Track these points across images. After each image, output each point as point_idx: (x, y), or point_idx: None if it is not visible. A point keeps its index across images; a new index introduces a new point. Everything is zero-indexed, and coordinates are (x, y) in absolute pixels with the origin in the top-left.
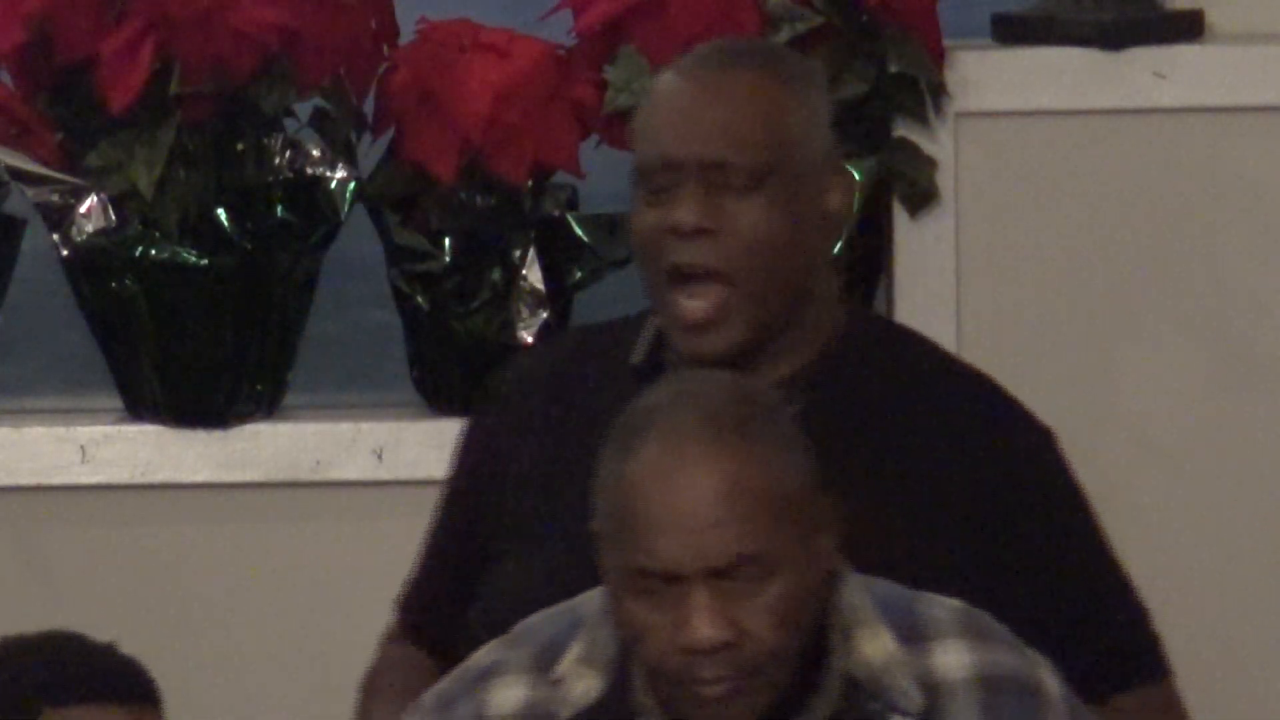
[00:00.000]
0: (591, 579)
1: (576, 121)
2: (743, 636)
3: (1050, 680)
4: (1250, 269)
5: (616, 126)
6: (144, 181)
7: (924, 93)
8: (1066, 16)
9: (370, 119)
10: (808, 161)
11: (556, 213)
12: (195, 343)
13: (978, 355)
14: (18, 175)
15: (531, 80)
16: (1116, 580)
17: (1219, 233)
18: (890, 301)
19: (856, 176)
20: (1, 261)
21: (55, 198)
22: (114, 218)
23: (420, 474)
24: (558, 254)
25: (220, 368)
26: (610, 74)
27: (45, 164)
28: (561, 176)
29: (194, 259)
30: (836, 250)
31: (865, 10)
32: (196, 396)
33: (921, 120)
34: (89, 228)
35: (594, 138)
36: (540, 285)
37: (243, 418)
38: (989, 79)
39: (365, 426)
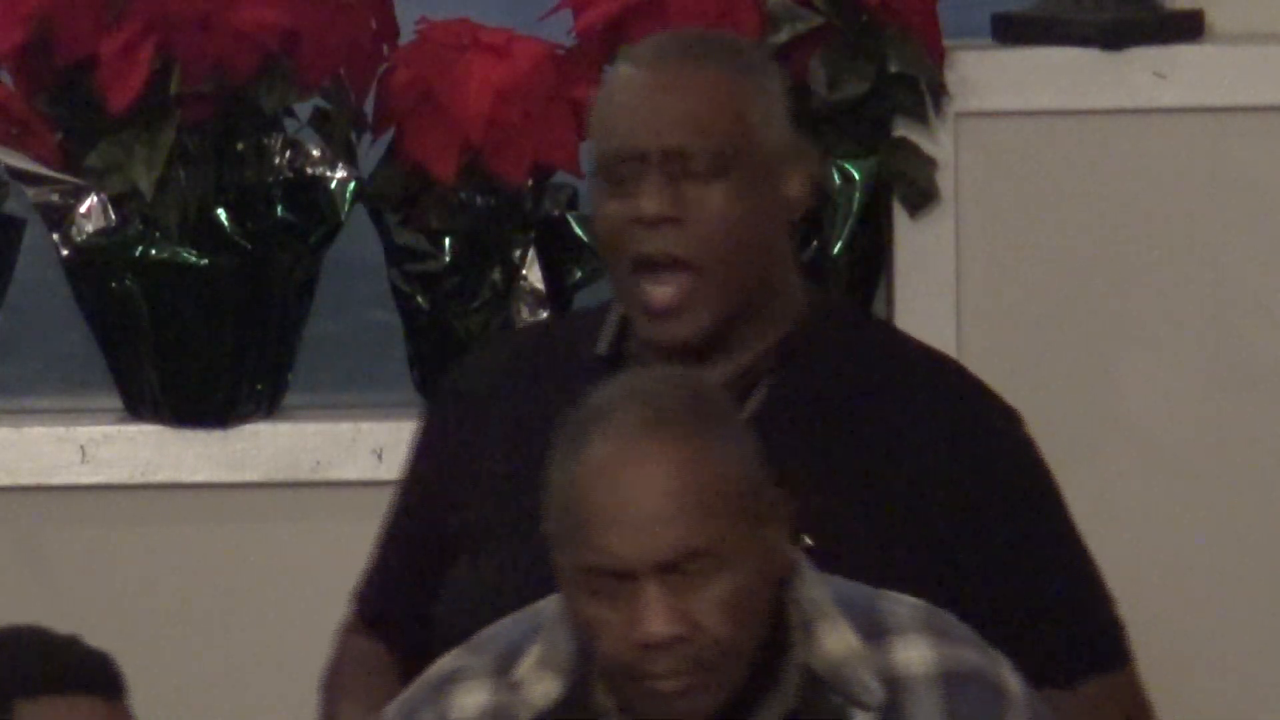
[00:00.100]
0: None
1: (576, 121)
2: (695, 630)
3: (1012, 679)
4: (1250, 269)
5: None
6: (144, 181)
7: (924, 93)
8: (1066, 16)
9: (370, 119)
10: (768, 148)
11: (556, 213)
12: (195, 343)
13: (977, 355)
14: (18, 175)
15: (531, 80)
16: (1084, 565)
17: (1219, 233)
18: (890, 301)
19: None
20: (1, 261)
21: (55, 198)
22: (114, 218)
23: None
24: (558, 254)
25: (220, 368)
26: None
27: (45, 164)
28: (561, 176)
29: (194, 259)
30: (836, 250)
31: (865, 10)
32: (196, 396)
33: (921, 120)
34: (89, 228)
35: None
36: (540, 285)
37: (243, 418)
38: (989, 79)
39: (365, 426)
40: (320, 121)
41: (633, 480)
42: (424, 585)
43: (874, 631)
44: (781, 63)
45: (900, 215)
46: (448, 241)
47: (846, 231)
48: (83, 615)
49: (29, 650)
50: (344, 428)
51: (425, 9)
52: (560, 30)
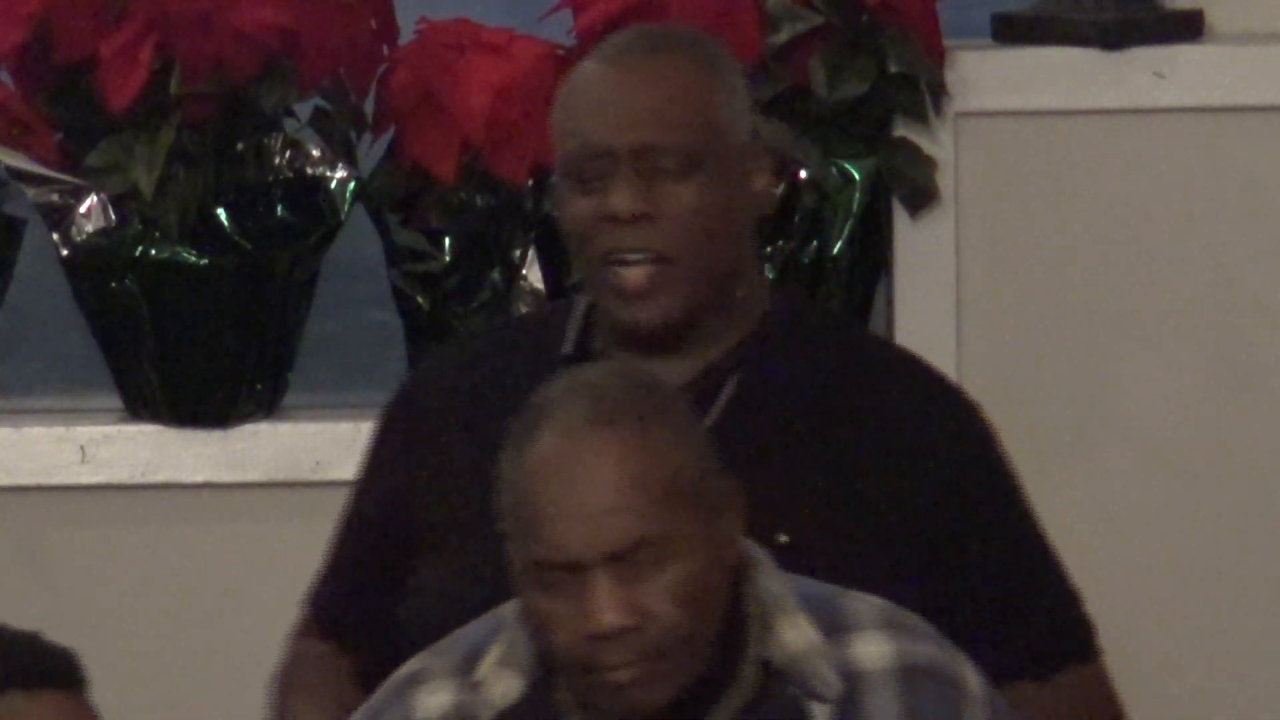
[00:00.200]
0: None
1: None
2: (646, 619)
3: (972, 675)
4: (1251, 269)
5: None
6: (144, 181)
7: (924, 93)
8: (1066, 16)
9: (370, 119)
10: (735, 143)
11: (556, 213)
12: (195, 343)
13: (978, 355)
14: (18, 175)
15: (531, 80)
16: (1050, 559)
17: (1219, 233)
18: (890, 301)
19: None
20: (1, 261)
21: (55, 198)
22: (114, 218)
23: None
24: (558, 254)
25: (220, 368)
26: None
27: (45, 164)
28: None
29: (194, 259)
30: (836, 250)
31: (865, 10)
32: (196, 396)
33: (921, 120)
34: (89, 228)
35: None
36: (540, 285)
37: (243, 418)
38: (989, 79)
39: (365, 426)
40: (320, 121)
41: (578, 472)
42: (382, 589)
43: (834, 627)
44: (781, 63)
45: (900, 215)
46: (448, 241)
47: (846, 231)
48: (83, 615)
49: None
50: (344, 428)
51: (425, 9)
52: (560, 30)
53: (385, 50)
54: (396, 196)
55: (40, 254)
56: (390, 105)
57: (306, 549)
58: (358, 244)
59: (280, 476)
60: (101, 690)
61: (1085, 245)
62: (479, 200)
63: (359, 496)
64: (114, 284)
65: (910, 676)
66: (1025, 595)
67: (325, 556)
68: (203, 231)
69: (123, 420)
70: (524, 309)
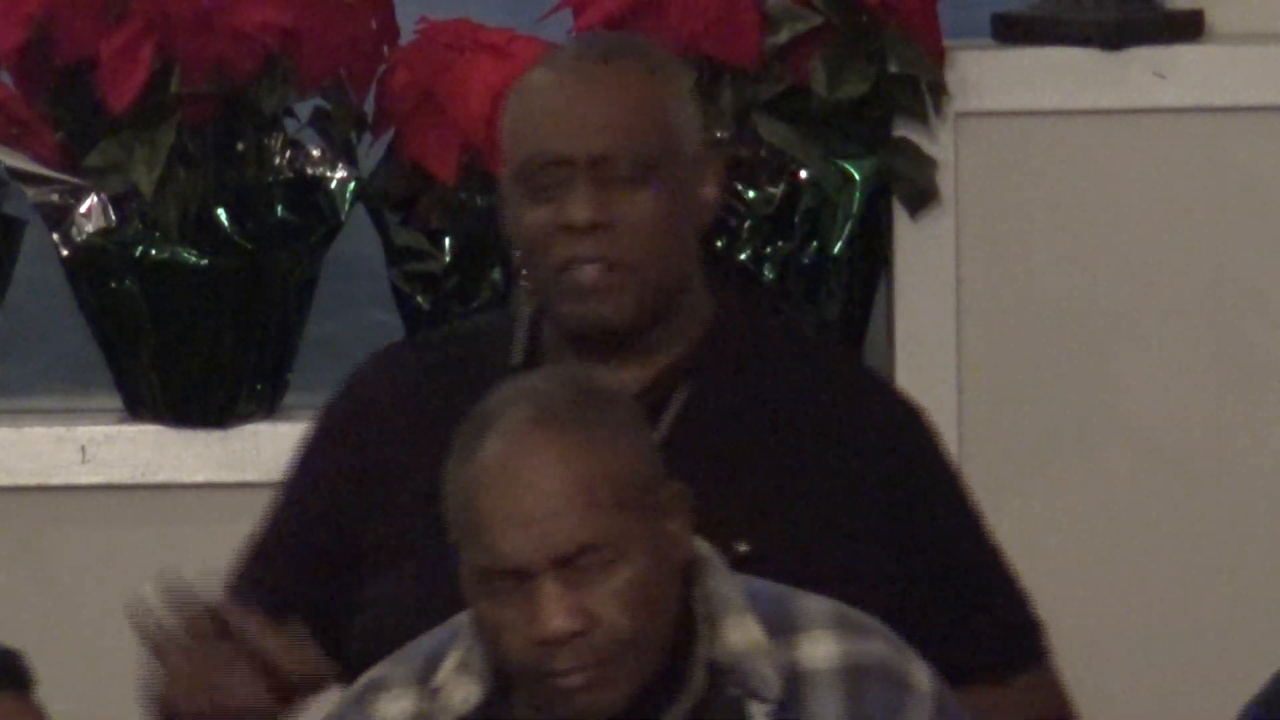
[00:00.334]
0: None
1: None
2: (594, 623)
3: (921, 674)
4: (1250, 269)
5: None
6: (144, 181)
7: (924, 93)
8: (1066, 16)
9: (370, 119)
10: (686, 151)
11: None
12: (195, 343)
13: (978, 355)
14: (18, 175)
15: None
16: (1000, 563)
17: (1219, 233)
18: (890, 301)
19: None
20: (1, 261)
21: (55, 198)
22: (114, 218)
23: None
24: None
25: (220, 368)
26: None
27: (45, 164)
28: None
29: (194, 259)
30: (836, 250)
31: (865, 10)
32: (196, 396)
33: (921, 120)
34: (89, 228)
35: None
36: None
37: (243, 418)
38: (989, 79)
39: None
40: (320, 121)
41: (521, 479)
42: (305, 593)
43: (783, 628)
44: (781, 63)
45: (900, 215)
46: (448, 241)
47: (846, 231)
48: (83, 615)
49: None
50: None
51: (425, 9)
52: (560, 30)
53: (385, 50)
54: (396, 196)
55: (40, 254)
56: (390, 105)
57: None
58: (358, 244)
59: (280, 476)
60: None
61: (1085, 245)
62: (479, 200)
63: (289, 495)
64: (114, 284)
65: (856, 676)
66: (979, 600)
67: (245, 551)
68: (203, 231)
69: (123, 420)
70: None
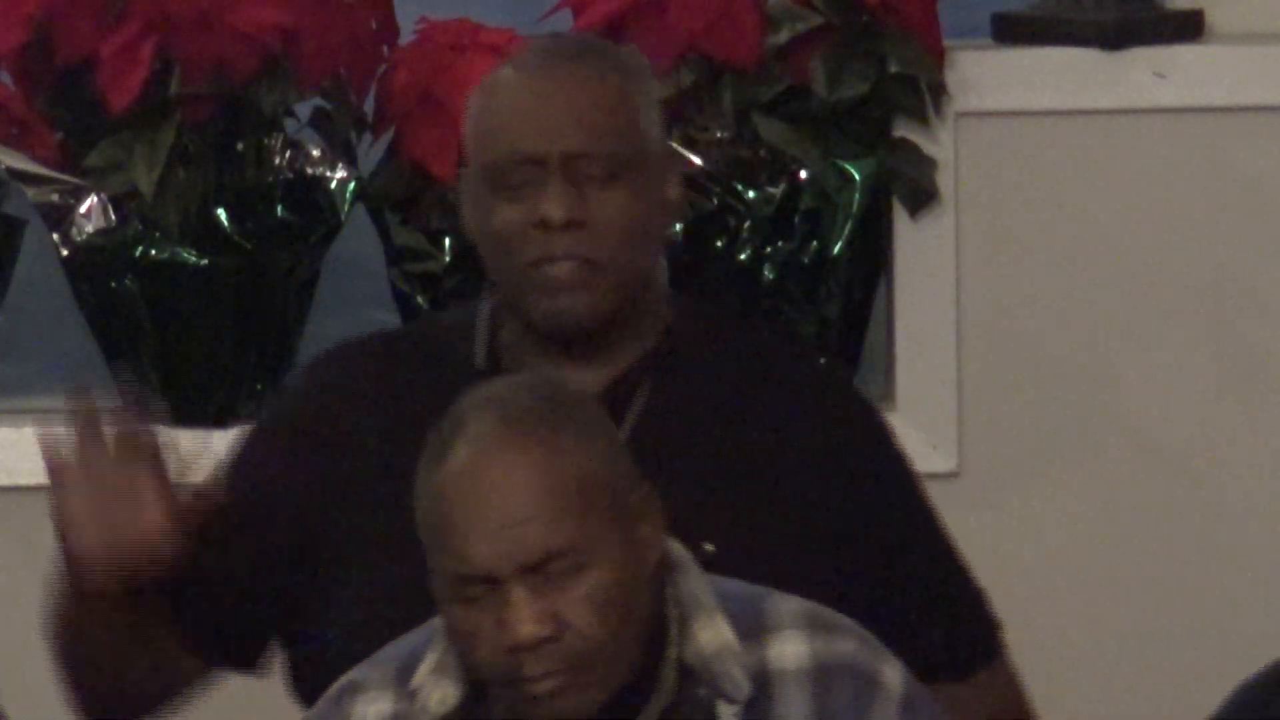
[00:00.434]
0: None
1: None
2: (563, 629)
3: (892, 673)
4: (1250, 269)
5: None
6: (144, 181)
7: (924, 93)
8: (1066, 16)
9: (370, 119)
10: (653, 150)
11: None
12: (195, 343)
13: (977, 355)
14: (18, 175)
15: None
16: (957, 562)
17: (1219, 233)
18: (890, 301)
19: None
20: (1, 261)
21: (55, 198)
22: (114, 218)
23: None
24: None
25: (220, 368)
26: None
27: (45, 164)
28: None
29: (194, 259)
30: (836, 250)
31: (865, 10)
32: (196, 396)
33: (921, 120)
34: (89, 228)
35: None
36: None
37: (243, 418)
38: (989, 79)
39: None
40: (320, 121)
41: (489, 485)
42: (249, 580)
43: (755, 629)
44: (781, 63)
45: (900, 215)
46: (448, 241)
47: (846, 231)
48: None
49: None
50: None
51: (425, 9)
52: (560, 30)
53: (385, 50)
54: (396, 196)
55: (40, 254)
56: (390, 105)
57: None
58: (358, 244)
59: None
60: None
61: (1085, 245)
62: None
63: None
64: (114, 284)
65: (825, 675)
66: (938, 598)
67: None
68: (203, 231)
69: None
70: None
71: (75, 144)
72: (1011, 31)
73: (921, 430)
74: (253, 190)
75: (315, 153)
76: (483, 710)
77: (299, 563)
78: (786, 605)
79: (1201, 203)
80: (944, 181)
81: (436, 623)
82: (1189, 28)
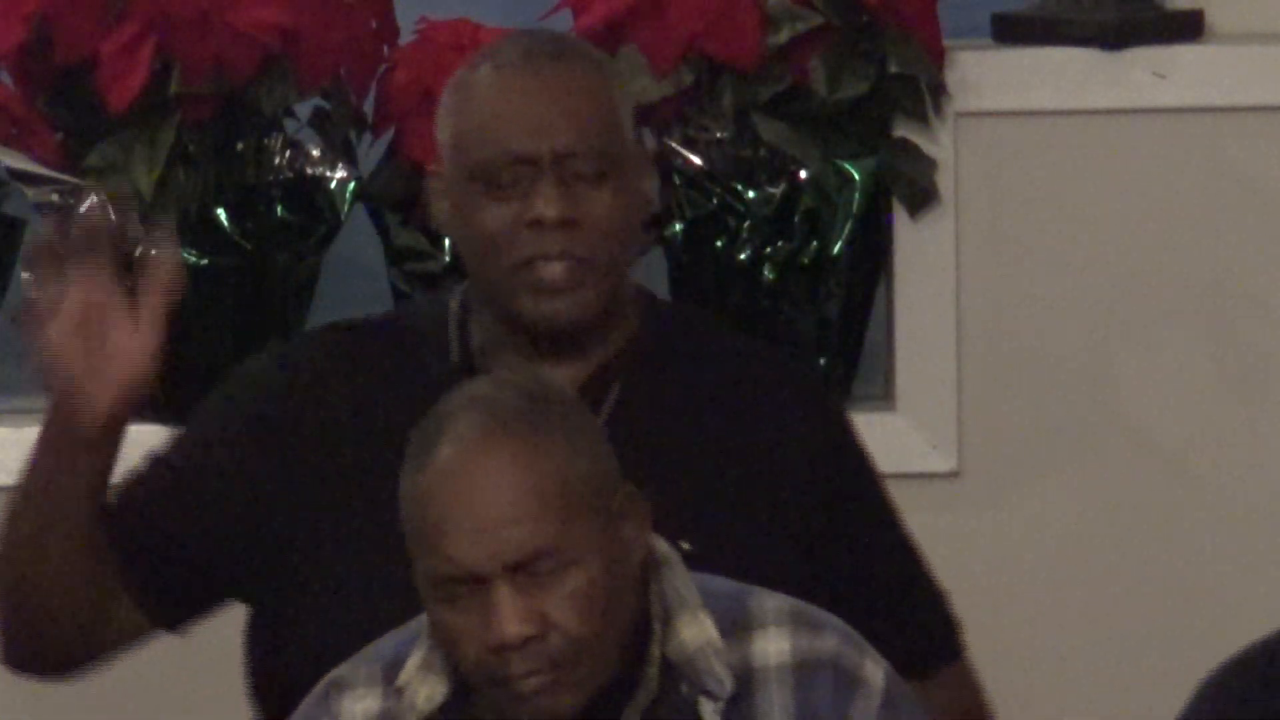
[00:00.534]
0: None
1: None
2: (549, 628)
3: (875, 670)
4: (1250, 269)
5: None
6: (144, 181)
7: (924, 93)
8: (1066, 16)
9: (370, 119)
10: (631, 147)
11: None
12: (195, 343)
13: (977, 355)
14: (18, 175)
15: None
16: (921, 563)
17: (1219, 233)
18: (890, 301)
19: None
20: (1, 261)
21: (55, 198)
22: (114, 218)
23: None
24: None
25: (220, 368)
26: None
27: (45, 164)
28: None
29: (194, 259)
30: (836, 250)
31: (865, 10)
32: (196, 396)
33: (921, 120)
34: None
35: None
36: None
37: None
38: (989, 79)
39: None
40: (320, 121)
41: (473, 485)
42: (171, 541)
43: (739, 626)
44: (781, 63)
45: (900, 215)
46: (448, 241)
47: (846, 231)
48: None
49: None
50: None
51: (425, 9)
52: (560, 30)
53: (385, 50)
54: (396, 196)
55: None
56: (390, 105)
57: None
58: (358, 244)
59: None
60: (100, 688)
61: (1085, 245)
62: None
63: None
64: None
65: (807, 671)
66: (903, 596)
67: (136, 471)
68: (203, 231)
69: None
70: None
71: (75, 144)
72: (1011, 31)
73: (921, 430)
74: (253, 190)
75: (315, 153)
76: (469, 707)
77: (250, 549)
78: (771, 602)
79: (1201, 203)
80: (944, 181)
81: (422, 620)
82: (1189, 28)
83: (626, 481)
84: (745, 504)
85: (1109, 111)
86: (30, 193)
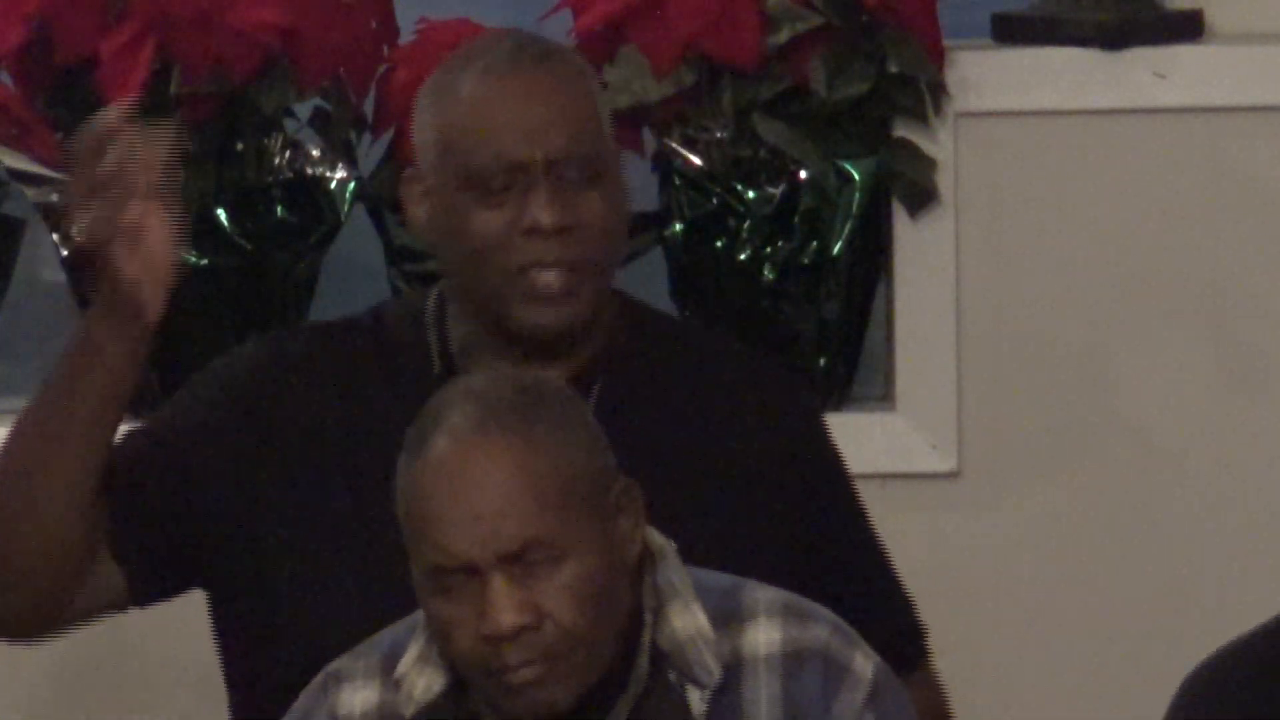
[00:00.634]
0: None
1: None
2: (543, 619)
3: (864, 662)
4: (1250, 269)
5: (616, 126)
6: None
7: (924, 93)
8: (1066, 16)
9: (370, 119)
10: (613, 149)
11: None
12: (195, 343)
13: (977, 355)
14: (18, 175)
15: None
16: (891, 569)
17: (1219, 233)
18: (890, 301)
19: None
20: (1, 261)
21: (55, 198)
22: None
23: None
24: None
25: None
26: (610, 74)
27: (45, 164)
28: None
29: (194, 259)
30: (836, 250)
31: (865, 10)
32: None
33: (921, 120)
34: None
35: None
36: None
37: None
38: (989, 79)
39: None
40: (320, 121)
41: (467, 476)
42: (147, 513)
43: (731, 617)
44: (781, 63)
45: (900, 215)
46: None
47: (846, 231)
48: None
49: None
50: None
51: (425, 9)
52: (560, 30)
53: (385, 50)
54: (396, 197)
55: (40, 254)
56: (390, 105)
57: None
58: (358, 244)
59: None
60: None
61: (1085, 245)
62: None
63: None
64: None
65: (795, 661)
66: (872, 600)
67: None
68: (203, 231)
69: (123, 420)
70: None
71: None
72: (1011, 31)
73: (921, 430)
74: (253, 190)
75: (315, 153)
76: (467, 698)
77: (232, 538)
78: (763, 594)
79: (1201, 203)
80: (944, 181)
81: (420, 614)
82: (1189, 28)
83: (623, 476)
84: (722, 503)
85: (1109, 111)
86: (30, 193)
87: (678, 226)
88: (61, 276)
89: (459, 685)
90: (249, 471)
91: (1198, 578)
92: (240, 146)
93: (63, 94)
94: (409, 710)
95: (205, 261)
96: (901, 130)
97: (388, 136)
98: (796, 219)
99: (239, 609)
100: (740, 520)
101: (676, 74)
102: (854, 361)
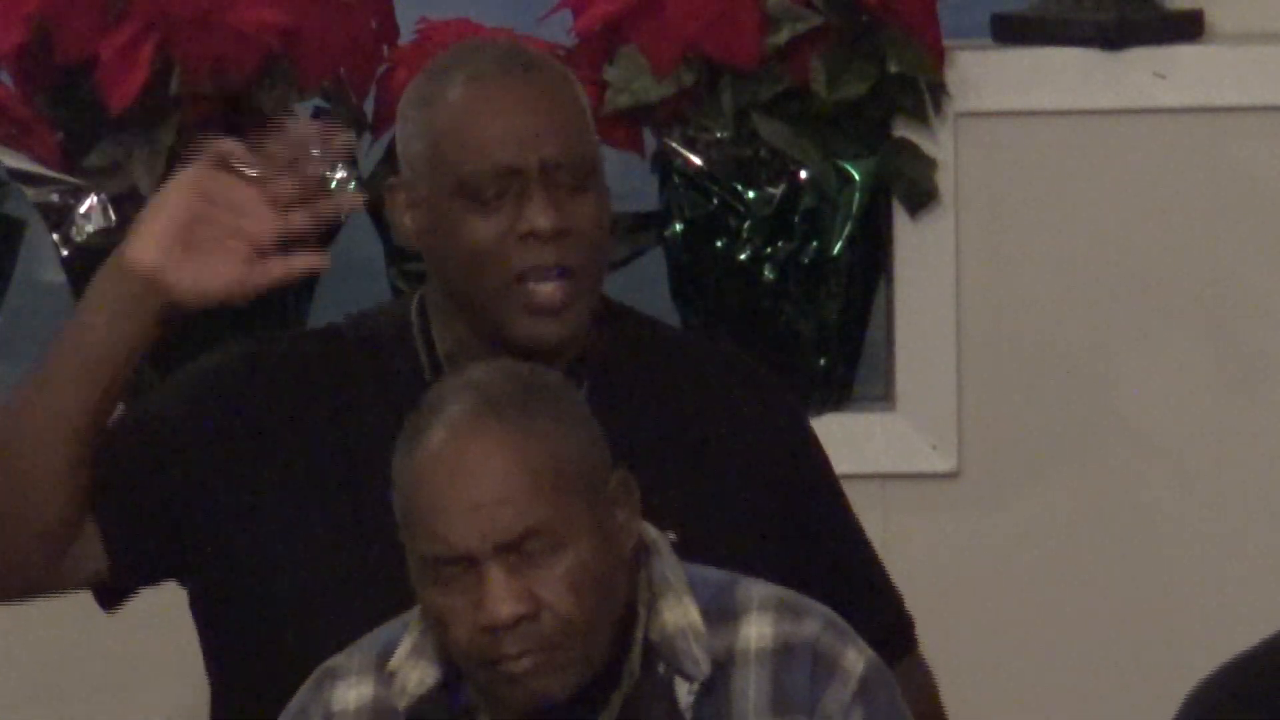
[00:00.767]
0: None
1: None
2: (540, 608)
3: (855, 657)
4: (1250, 269)
5: (616, 127)
6: (144, 181)
7: (924, 93)
8: (1066, 16)
9: (370, 119)
10: (599, 153)
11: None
12: (195, 342)
13: (977, 355)
14: (18, 175)
15: None
16: (876, 560)
17: (1219, 233)
18: (890, 301)
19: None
20: (1, 261)
21: (55, 198)
22: (114, 218)
23: None
24: None
25: None
26: (610, 74)
27: (45, 164)
28: None
29: None
30: (836, 250)
31: (865, 10)
32: None
33: (921, 120)
34: (89, 228)
35: None
36: None
37: None
38: (989, 79)
39: None
40: None
41: (464, 466)
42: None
43: (725, 612)
44: (781, 63)
45: (900, 215)
46: None
47: (846, 231)
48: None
49: None
50: None
51: (425, 9)
52: (560, 30)
53: (385, 50)
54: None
55: (40, 254)
56: (390, 105)
57: None
58: (358, 244)
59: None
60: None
61: (1085, 245)
62: None
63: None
64: None
65: (786, 654)
66: (859, 592)
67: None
68: None
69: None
70: None
71: (75, 144)
72: (1011, 31)
73: (921, 430)
74: None
75: (315, 153)
76: (460, 691)
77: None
78: (757, 589)
79: (1201, 203)
80: (944, 181)
81: (413, 611)
82: (1189, 28)
83: (619, 467)
84: (711, 498)
85: (1109, 111)
86: (30, 193)
87: (678, 226)
88: (61, 276)
89: (452, 679)
90: (229, 470)
91: (1197, 578)
92: None
93: (63, 94)
94: (402, 703)
95: None
96: (901, 130)
97: (388, 136)
98: (796, 219)
99: (221, 610)
100: (729, 515)
101: (676, 74)
102: (854, 361)
